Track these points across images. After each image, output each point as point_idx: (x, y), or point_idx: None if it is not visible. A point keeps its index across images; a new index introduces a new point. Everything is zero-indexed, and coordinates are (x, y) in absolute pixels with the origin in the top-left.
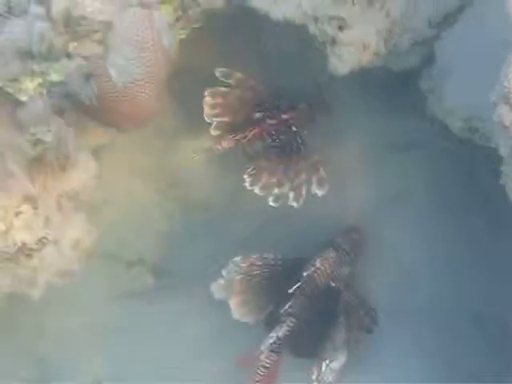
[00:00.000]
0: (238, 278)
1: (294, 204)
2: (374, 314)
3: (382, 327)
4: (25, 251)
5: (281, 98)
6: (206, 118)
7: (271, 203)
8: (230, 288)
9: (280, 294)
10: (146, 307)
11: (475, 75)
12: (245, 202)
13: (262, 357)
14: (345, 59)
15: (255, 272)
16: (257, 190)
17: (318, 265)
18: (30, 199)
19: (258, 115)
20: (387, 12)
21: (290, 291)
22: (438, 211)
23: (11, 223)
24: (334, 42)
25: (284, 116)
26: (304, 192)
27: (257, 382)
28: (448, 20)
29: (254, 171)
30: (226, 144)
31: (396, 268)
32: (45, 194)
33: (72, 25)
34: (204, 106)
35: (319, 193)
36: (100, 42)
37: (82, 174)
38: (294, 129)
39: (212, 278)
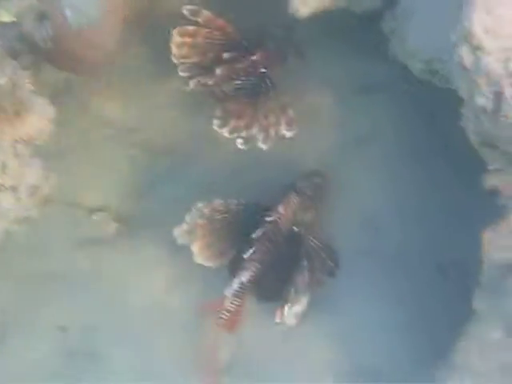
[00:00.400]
0: (200, 222)
1: (263, 146)
2: (336, 257)
3: (345, 270)
4: None
5: (249, 39)
6: (173, 59)
7: (240, 146)
8: (192, 233)
9: (243, 239)
10: (109, 254)
11: (436, 16)
12: (209, 146)
13: (226, 301)
14: (307, 1)
15: (218, 217)
16: (225, 133)
17: (281, 210)
18: None
19: (226, 56)
20: None
21: (254, 236)
22: (401, 154)
23: None
24: None
25: (253, 57)
26: (273, 134)
27: (221, 325)
28: None
29: (222, 113)
30: (193, 85)
31: (360, 212)
32: None
33: None
34: (171, 46)
35: (288, 134)
36: None
37: (38, 119)
38: (262, 70)
39: (176, 223)
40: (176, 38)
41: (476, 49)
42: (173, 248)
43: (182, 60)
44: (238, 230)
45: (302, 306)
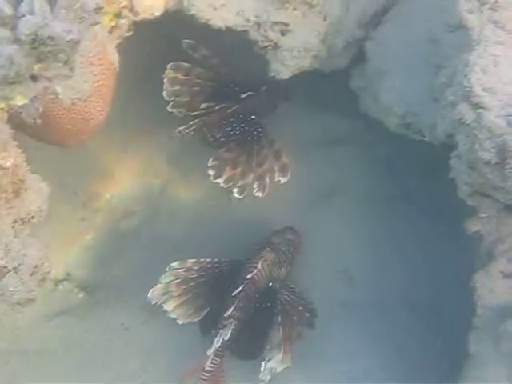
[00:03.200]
0: (175, 282)
1: (259, 194)
2: (313, 308)
3: (325, 321)
4: None
5: (241, 85)
6: (164, 95)
7: (236, 195)
8: (166, 293)
9: (217, 296)
10: (78, 324)
11: (407, 73)
12: (170, 203)
13: (208, 362)
14: (287, 64)
15: (192, 276)
16: (221, 183)
17: (259, 267)
18: None
19: (217, 99)
20: (325, 15)
21: (234, 294)
22: (367, 203)
23: None
24: (276, 46)
25: (243, 97)
26: (268, 181)
27: None
28: (375, 20)
29: (216, 163)
30: (183, 130)
31: (333, 264)
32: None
33: (38, 46)
34: (164, 81)
35: (282, 180)
36: (65, 62)
37: (36, 197)
38: (253, 117)
39: (145, 286)
40: (170, 71)
41: (476, 106)
42: (143, 312)
43: (174, 97)
44: (212, 287)
45: (276, 362)
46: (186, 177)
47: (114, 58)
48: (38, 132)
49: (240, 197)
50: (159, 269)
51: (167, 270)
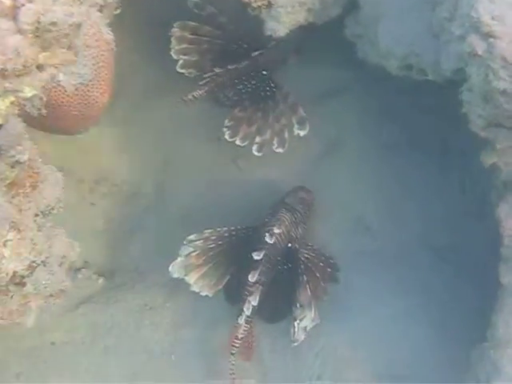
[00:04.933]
0: (194, 254)
1: (280, 150)
2: (335, 263)
3: (347, 273)
4: (15, 280)
5: (249, 41)
6: (172, 54)
7: (255, 152)
8: (187, 266)
9: (237, 263)
10: (103, 310)
11: (403, 15)
12: (178, 176)
13: (239, 330)
14: (283, 20)
15: (210, 246)
16: (238, 142)
17: (277, 230)
18: (14, 225)
19: (227, 58)
20: None
21: (258, 258)
22: (375, 151)
23: (1, 254)
24: (269, 5)
25: (254, 55)
26: (287, 136)
27: (233, 353)
28: None
29: (231, 123)
30: (196, 93)
31: (349, 215)
32: (22, 216)
33: (42, 34)
34: (172, 39)
35: (301, 133)
36: (69, 47)
37: (54, 187)
38: (264, 73)
39: (162, 264)
40: (176, 30)
41: (487, 36)
42: (164, 290)
43: (182, 56)
44: (232, 255)
45: (308, 321)
46: (194, 145)
47: (110, 37)
48: (43, 122)
49: (259, 154)
50: (174, 245)
51: (185, 243)
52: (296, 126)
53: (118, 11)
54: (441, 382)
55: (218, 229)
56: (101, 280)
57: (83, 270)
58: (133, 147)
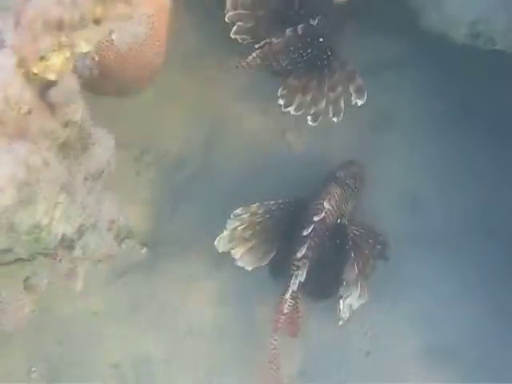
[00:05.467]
0: (241, 228)
1: (335, 119)
2: (384, 240)
3: (397, 253)
4: (64, 243)
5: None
6: (226, 19)
7: (310, 122)
8: (233, 240)
9: (284, 238)
10: (145, 280)
11: None
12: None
13: (285, 305)
14: None
15: (258, 220)
16: (292, 111)
17: (326, 205)
18: (64, 187)
19: (283, 24)
20: None
21: (305, 234)
22: (426, 128)
23: (52, 216)
24: None
25: (312, 22)
26: (342, 105)
27: (277, 329)
28: None
29: (285, 91)
30: (251, 59)
31: (399, 193)
32: (72, 179)
33: None
34: (227, 4)
35: (359, 102)
36: (126, 1)
37: (104, 151)
38: (320, 40)
39: (207, 236)
40: None
41: None
42: (209, 262)
43: (237, 22)
44: (280, 229)
45: (354, 298)
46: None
47: None
48: (94, 83)
49: (314, 124)
50: (219, 218)
51: (232, 216)
52: (354, 94)
53: None
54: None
55: (266, 202)
56: (144, 250)
57: (126, 240)
58: (180, 115)
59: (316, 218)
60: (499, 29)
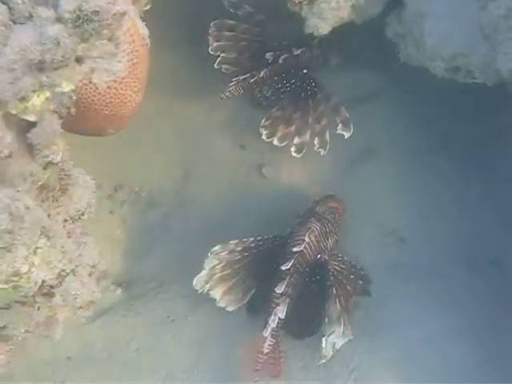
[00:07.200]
0: (219, 266)
1: (321, 151)
2: (365, 275)
3: (380, 287)
4: (43, 290)
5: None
6: (210, 51)
7: (294, 154)
8: (212, 279)
9: (265, 274)
10: (122, 322)
11: (451, 13)
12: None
13: (264, 344)
14: (326, 17)
15: (236, 257)
16: (275, 142)
17: (307, 239)
18: (44, 231)
19: (267, 55)
20: None
21: (285, 268)
22: (404, 159)
23: (32, 262)
24: (311, 1)
25: (296, 53)
26: (328, 137)
27: (257, 369)
28: None
29: (268, 122)
30: (233, 90)
31: (380, 226)
32: (51, 222)
33: (82, 23)
34: (209, 37)
35: (346, 134)
36: (110, 39)
37: (84, 192)
38: (304, 71)
39: (183, 275)
40: (213, 30)
41: None
42: (186, 302)
43: (220, 53)
44: (258, 266)
45: (337, 336)
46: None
47: (145, 32)
48: (71, 122)
49: (298, 156)
50: (195, 256)
51: (209, 254)
52: (340, 126)
53: (148, 7)
54: None
55: (244, 239)
56: (119, 291)
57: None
58: (153, 152)
59: (296, 249)
60: (479, 63)
